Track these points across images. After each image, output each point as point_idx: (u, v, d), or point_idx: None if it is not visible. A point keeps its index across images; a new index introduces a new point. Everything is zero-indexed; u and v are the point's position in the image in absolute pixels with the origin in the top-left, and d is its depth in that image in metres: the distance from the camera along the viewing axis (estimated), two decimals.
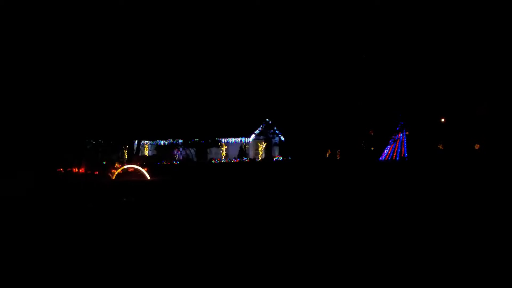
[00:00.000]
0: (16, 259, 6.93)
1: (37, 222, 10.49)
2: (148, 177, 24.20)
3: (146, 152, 46.13)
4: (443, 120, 38.95)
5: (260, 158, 43.69)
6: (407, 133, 38.43)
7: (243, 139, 42.90)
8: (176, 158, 42.04)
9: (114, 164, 30.26)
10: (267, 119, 44.51)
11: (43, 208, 12.81)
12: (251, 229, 9.21)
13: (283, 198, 14.40)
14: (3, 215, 11.53)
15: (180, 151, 42.52)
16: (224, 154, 42.56)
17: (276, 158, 45.14)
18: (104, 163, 29.75)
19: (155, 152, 44.49)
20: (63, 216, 11.28)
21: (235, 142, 43.00)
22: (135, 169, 25.73)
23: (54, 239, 8.44)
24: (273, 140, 46.44)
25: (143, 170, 24.78)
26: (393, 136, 39.08)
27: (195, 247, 7.58)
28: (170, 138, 43.41)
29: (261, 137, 44.67)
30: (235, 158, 41.90)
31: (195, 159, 42.07)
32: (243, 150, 42.76)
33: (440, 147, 38.47)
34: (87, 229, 9.43)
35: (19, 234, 8.94)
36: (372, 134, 40.03)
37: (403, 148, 38.48)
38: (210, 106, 42.70)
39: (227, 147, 42.91)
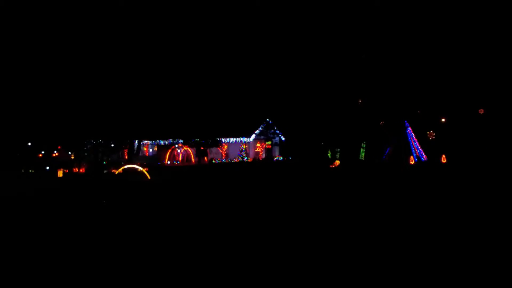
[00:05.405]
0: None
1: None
2: (149, 177, 24.25)
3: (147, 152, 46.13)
4: (443, 120, 38.69)
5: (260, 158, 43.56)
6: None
7: (244, 139, 42.84)
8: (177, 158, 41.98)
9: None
10: (268, 119, 44.45)
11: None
12: (251, 230, 9.23)
13: (284, 197, 14.41)
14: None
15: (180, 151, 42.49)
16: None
17: (276, 158, 45.01)
18: (104, 163, 29.79)
19: (155, 152, 44.45)
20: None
21: (236, 142, 42.95)
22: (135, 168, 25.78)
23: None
24: (273, 140, 46.32)
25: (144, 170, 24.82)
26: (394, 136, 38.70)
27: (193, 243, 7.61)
28: (170, 138, 43.35)
29: (262, 137, 44.60)
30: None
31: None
32: (243, 150, 42.67)
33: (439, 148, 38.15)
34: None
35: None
36: (373, 134, 39.69)
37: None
38: (210, 106, 42.61)
39: (227, 146, 42.90)
